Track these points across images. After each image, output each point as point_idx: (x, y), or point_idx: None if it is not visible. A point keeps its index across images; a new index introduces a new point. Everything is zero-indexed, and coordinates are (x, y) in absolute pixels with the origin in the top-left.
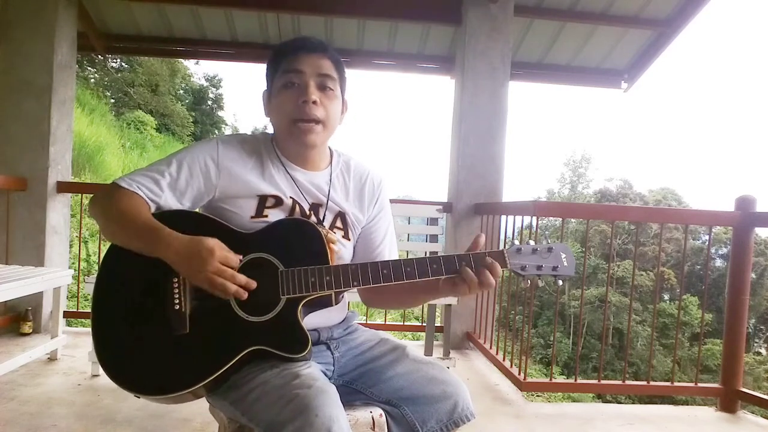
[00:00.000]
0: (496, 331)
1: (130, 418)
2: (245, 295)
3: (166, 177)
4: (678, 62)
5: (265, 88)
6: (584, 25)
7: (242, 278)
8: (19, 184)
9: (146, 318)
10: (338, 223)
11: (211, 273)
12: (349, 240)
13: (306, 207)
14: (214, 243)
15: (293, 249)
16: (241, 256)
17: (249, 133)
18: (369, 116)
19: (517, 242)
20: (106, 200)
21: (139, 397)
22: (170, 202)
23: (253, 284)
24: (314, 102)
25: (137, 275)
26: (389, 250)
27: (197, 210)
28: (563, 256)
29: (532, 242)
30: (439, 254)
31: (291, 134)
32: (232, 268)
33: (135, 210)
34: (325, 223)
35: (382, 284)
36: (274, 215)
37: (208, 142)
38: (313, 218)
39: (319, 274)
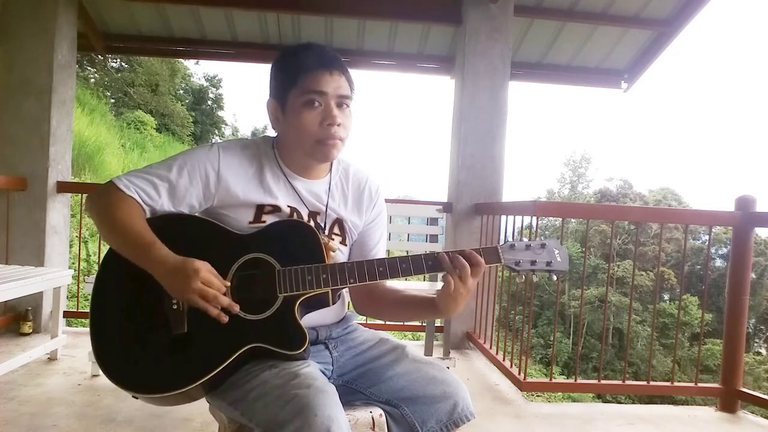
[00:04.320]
0: (496, 331)
1: (130, 418)
2: (225, 318)
3: (165, 182)
4: (678, 62)
5: (272, 97)
6: (584, 25)
7: (225, 300)
8: (19, 184)
9: (144, 317)
10: (336, 230)
11: (193, 293)
12: (346, 246)
13: (305, 214)
14: (200, 264)
15: (289, 249)
16: (228, 284)
17: (248, 134)
18: (369, 116)
19: (510, 239)
20: (103, 201)
21: (137, 398)
22: (167, 207)
23: (236, 307)
24: (338, 124)
25: (136, 275)
26: (381, 254)
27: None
28: (556, 251)
29: (525, 239)
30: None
31: (313, 153)
32: (215, 289)
33: (129, 219)
34: (324, 230)
35: (378, 281)
36: (272, 221)
37: (210, 150)
38: (312, 225)
39: (315, 272)
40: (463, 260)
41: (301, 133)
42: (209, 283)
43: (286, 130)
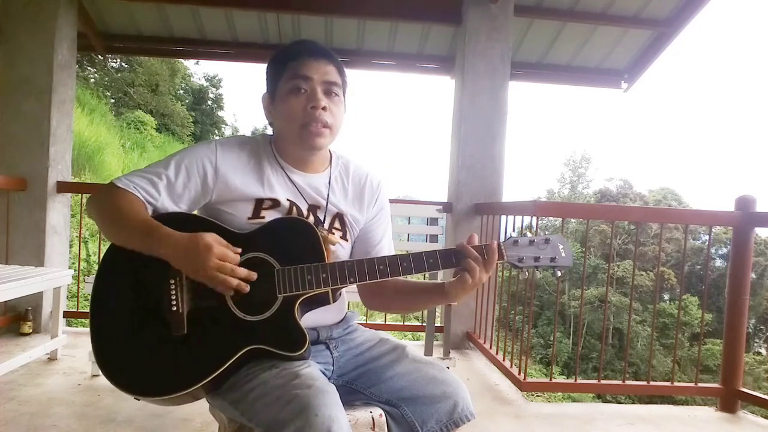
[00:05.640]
0: (496, 331)
1: (130, 418)
2: (247, 288)
3: (164, 179)
4: (678, 62)
5: (266, 91)
6: (584, 25)
7: (242, 272)
8: (19, 184)
9: (144, 319)
10: (336, 224)
11: (210, 269)
12: (347, 240)
13: (304, 209)
14: (211, 239)
15: (289, 247)
16: (240, 250)
17: (248, 134)
18: (369, 116)
19: (514, 235)
20: (104, 200)
21: (138, 399)
22: (167, 204)
23: (254, 275)
24: (323, 108)
25: (135, 277)
26: (387, 249)
27: (194, 212)
28: (561, 247)
29: (529, 234)
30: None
31: (299, 139)
32: (231, 262)
33: (132, 209)
34: (324, 224)
35: (379, 280)
36: (271, 217)
37: (207, 145)
38: (312, 219)
39: (315, 272)
40: (485, 251)
41: (287, 119)
42: (224, 257)
43: (276, 120)
